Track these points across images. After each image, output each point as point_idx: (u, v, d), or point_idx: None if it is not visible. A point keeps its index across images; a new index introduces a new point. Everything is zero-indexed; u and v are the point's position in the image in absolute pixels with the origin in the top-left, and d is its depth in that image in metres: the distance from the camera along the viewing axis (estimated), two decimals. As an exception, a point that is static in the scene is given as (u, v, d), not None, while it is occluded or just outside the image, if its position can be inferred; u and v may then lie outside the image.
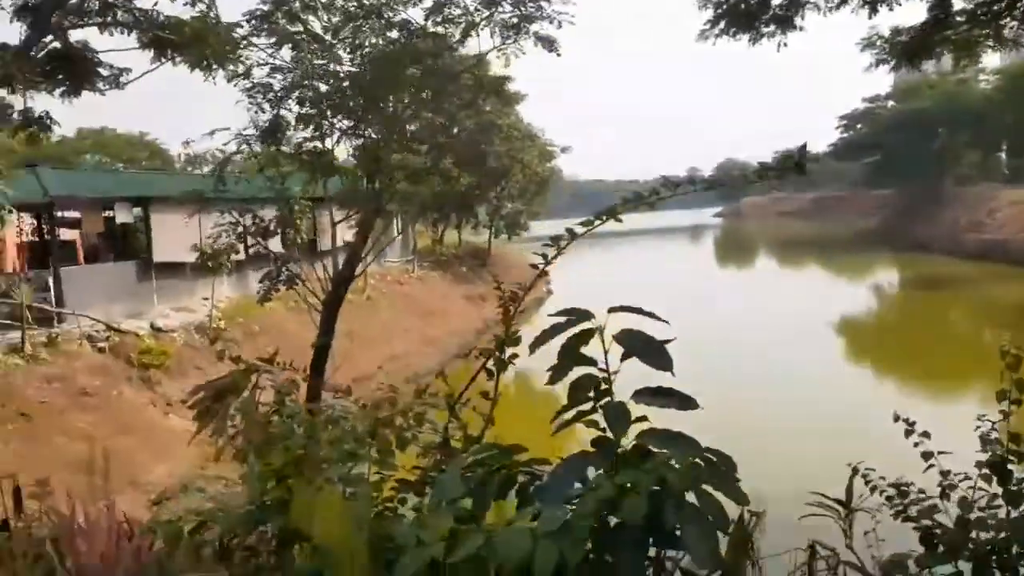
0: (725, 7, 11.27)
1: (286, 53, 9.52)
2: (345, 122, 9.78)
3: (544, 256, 2.73)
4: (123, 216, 22.05)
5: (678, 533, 1.70)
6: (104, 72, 12.82)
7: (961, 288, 39.43)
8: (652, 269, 63.02)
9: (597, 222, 2.64)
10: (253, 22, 9.57)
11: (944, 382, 22.81)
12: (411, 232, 34.90)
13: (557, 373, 2.13)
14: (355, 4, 9.35)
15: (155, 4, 9.77)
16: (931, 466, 2.58)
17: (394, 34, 9.53)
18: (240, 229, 10.29)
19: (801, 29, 11.73)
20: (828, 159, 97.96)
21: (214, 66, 10.53)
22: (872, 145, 78.40)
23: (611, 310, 2.24)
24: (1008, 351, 2.40)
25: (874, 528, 2.50)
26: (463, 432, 2.83)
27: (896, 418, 2.84)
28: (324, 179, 10.28)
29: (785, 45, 11.91)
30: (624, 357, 2.09)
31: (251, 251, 18.70)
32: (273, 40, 9.60)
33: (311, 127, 9.72)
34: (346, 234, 22.07)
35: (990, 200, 54.12)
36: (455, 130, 11.12)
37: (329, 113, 9.54)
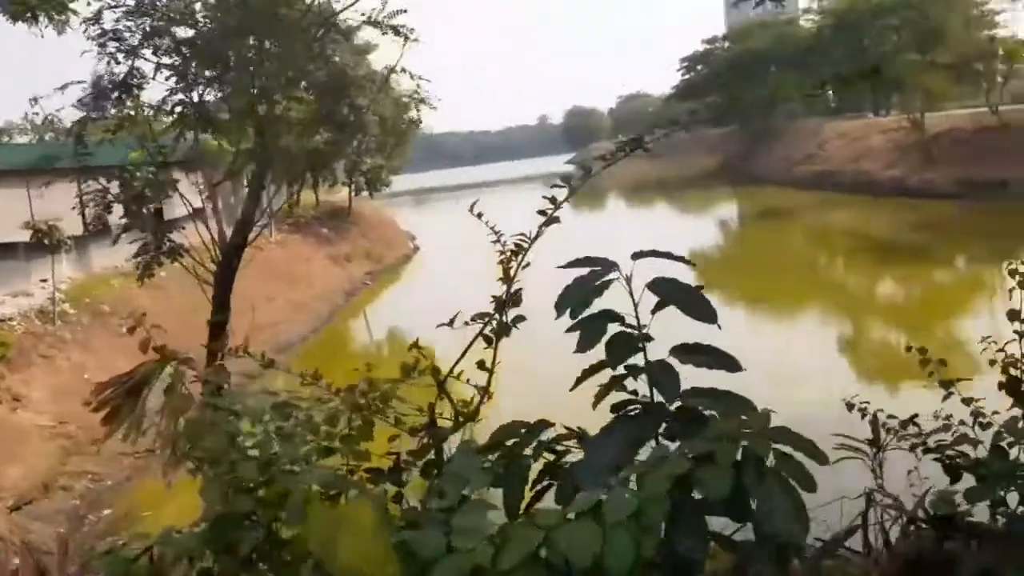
0: None
1: None
2: (208, 72, 8.86)
3: (552, 201, 2.50)
4: (-66, 195, 19.59)
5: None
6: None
7: (797, 217, 42.35)
8: (512, 218, 63.41)
9: (619, 154, 2.44)
10: None
11: (789, 302, 24.62)
12: (267, 193, 33.19)
13: (587, 337, 1.88)
14: None
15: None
16: (950, 395, 2.57)
17: None
18: (109, 197, 9.21)
19: None
20: (672, 101, 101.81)
21: (40, 16, 9.33)
22: (712, 85, 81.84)
23: (635, 256, 2.05)
24: (1016, 270, 2.40)
25: (914, 468, 2.45)
26: (455, 409, 2.54)
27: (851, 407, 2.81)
28: (197, 134, 9.33)
29: None
30: (657, 308, 1.93)
31: (91, 226, 17.12)
32: None
33: (175, 78, 8.74)
34: (194, 200, 20.74)
35: (819, 134, 58.09)
36: (307, 81, 10.36)
37: (193, 63, 8.61)
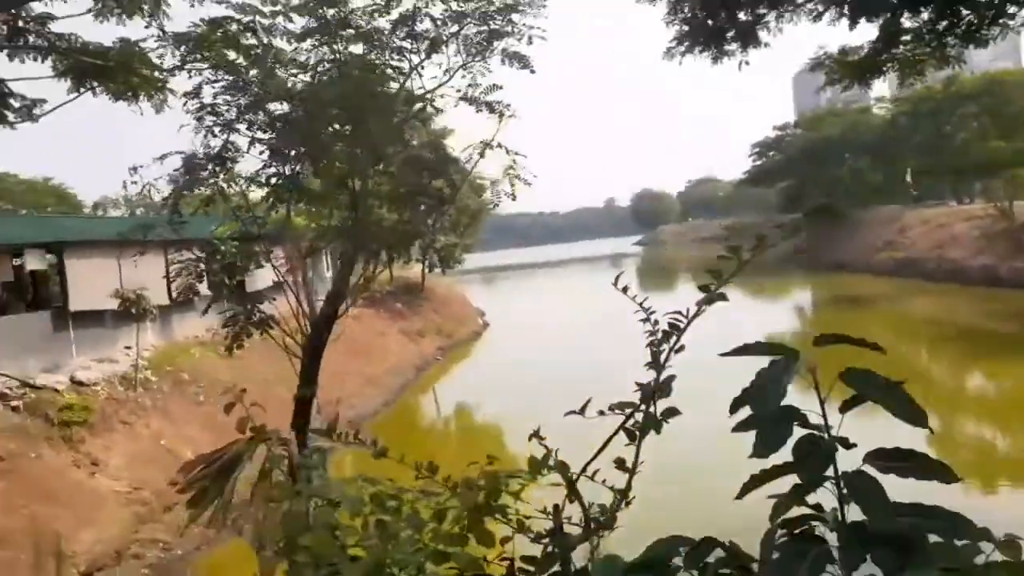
0: (693, 23, 11.21)
1: (233, 70, 8.75)
2: (301, 147, 9.03)
3: (707, 291, 2.23)
4: (34, 263, 20.49)
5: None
6: (15, 103, 11.78)
7: (879, 304, 40.85)
8: (578, 298, 63.57)
9: (755, 246, 2.17)
10: (185, 46, 8.79)
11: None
12: (305, 267, 33.87)
13: (768, 439, 1.59)
14: (319, 13, 8.65)
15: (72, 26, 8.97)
16: None
17: (359, 48, 8.87)
18: (200, 267, 9.33)
19: (766, 45, 11.79)
20: (744, 185, 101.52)
21: (140, 95, 9.76)
22: (784, 171, 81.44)
23: (818, 341, 1.77)
24: None
25: None
26: (585, 514, 2.22)
27: None
28: (289, 206, 9.43)
29: (747, 63, 11.96)
30: (850, 405, 1.64)
31: (180, 296, 17.56)
32: (209, 65, 8.80)
33: (268, 152, 8.92)
34: (270, 274, 21.20)
35: (899, 220, 56.63)
36: (389, 162, 10.48)
37: (286, 138, 8.80)
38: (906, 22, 11.14)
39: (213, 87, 8.63)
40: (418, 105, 8.88)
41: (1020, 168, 43.71)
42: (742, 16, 11.36)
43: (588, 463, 2.29)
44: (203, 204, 9.11)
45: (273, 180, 8.95)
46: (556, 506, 2.20)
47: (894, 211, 63.22)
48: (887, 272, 49.75)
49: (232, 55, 8.72)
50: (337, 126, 8.95)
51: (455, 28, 8.82)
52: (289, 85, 8.89)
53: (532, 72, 8.95)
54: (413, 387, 27.92)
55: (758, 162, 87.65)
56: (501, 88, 8.89)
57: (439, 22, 8.74)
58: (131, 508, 14.21)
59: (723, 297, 2.14)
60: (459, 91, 8.98)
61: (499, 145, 8.70)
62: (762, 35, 11.60)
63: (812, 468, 1.57)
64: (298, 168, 9.26)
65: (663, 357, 2.17)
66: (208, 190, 9.13)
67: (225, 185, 9.28)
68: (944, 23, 10.92)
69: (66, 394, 16.44)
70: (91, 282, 20.06)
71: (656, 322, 2.28)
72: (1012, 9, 11.33)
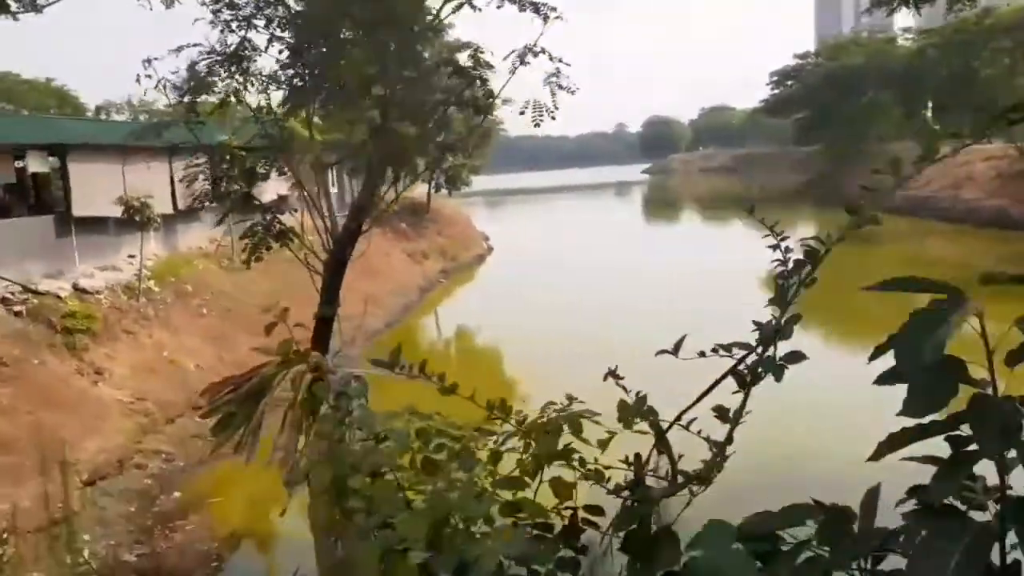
0: None
1: None
2: (324, 47, 8.40)
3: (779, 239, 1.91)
4: (36, 166, 20.04)
5: None
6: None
7: (888, 243, 40.34)
8: (583, 226, 63.17)
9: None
10: None
11: (869, 336, 23.31)
12: (349, 186, 33.41)
13: (926, 396, 1.32)
14: None
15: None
16: None
17: None
18: (219, 172, 8.88)
19: None
20: (760, 114, 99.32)
21: None
22: (802, 102, 79.44)
23: (872, 288, 1.51)
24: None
25: None
26: (673, 467, 1.95)
27: None
28: (311, 110, 8.89)
29: None
30: (1014, 360, 1.36)
31: (189, 204, 17.15)
32: None
33: (289, 51, 8.31)
34: (279, 187, 20.66)
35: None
36: (418, 65, 9.71)
37: (307, 35, 8.19)
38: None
39: None
40: (453, 3, 8.22)
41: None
42: None
43: (684, 411, 2.01)
44: (219, 106, 8.57)
45: (294, 81, 8.38)
46: (638, 455, 1.93)
47: (913, 147, 61.87)
48: (902, 211, 49.06)
49: None
50: (362, 23, 8.27)
51: None
52: None
53: (558, 18, 8.27)
54: (416, 308, 27.83)
55: (776, 91, 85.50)
56: None
57: None
58: (134, 419, 14.22)
59: (876, 221, 1.82)
60: None
61: (543, 50, 8.06)
62: None
63: (993, 437, 1.30)
64: (318, 70, 8.64)
65: (791, 293, 1.86)
66: (224, 91, 8.58)
67: (242, 86, 8.72)
68: None
69: (69, 301, 16.28)
70: (94, 188, 19.67)
71: (788, 249, 1.96)
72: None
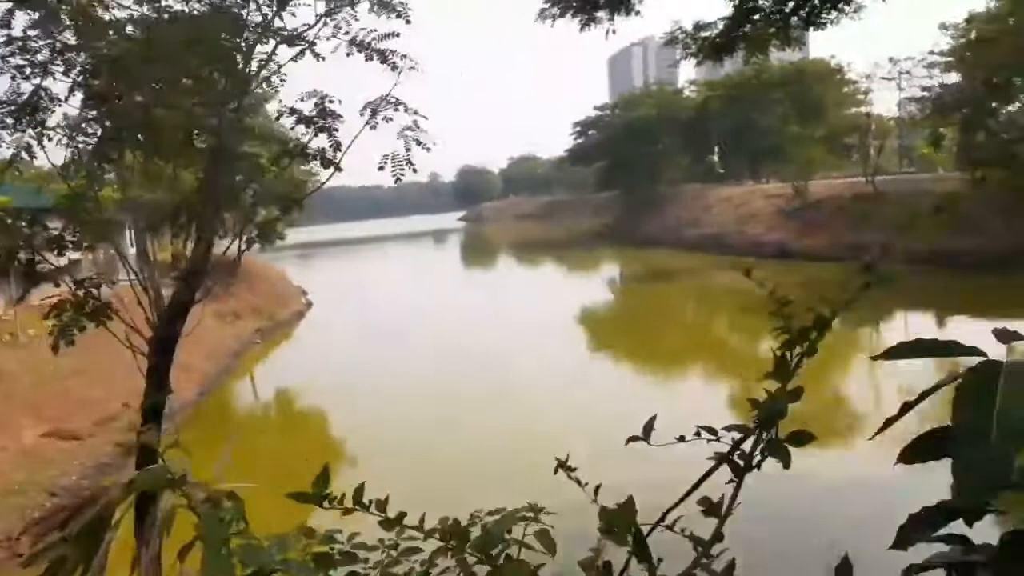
0: None
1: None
2: (137, 96, 7.38)
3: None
4: None
5: None
6: None
7: (684, 278, 43.44)
8: (403, 274, 63.02)
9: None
10: None
11: (676, 362, 24.91)
12: (148, 244, 30.96)
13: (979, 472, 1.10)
14: None
15: None
16: None
17: None
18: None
19: (637, 13, 11.79)
20: (565, 163, 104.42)
21: None
22: (601, 151, 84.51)
23: (879, 357, 1.33)
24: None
25: None
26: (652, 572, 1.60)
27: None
28: (121, 163, 7.73)
29: (614, 32, 11.96)
30: None
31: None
32: None
33: (94, 99, 7.18)
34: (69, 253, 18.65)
35: (705, 198, 60.56)
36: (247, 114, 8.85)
37: (117, 81, 7.13)
38: (755, 2, 11.50)
39: (28, 14, 6.86)
40: (295, 49, 7.54)
41: (812, 151, 47.99)
42: None
43: (669, 510, 1.72)
44: (7, 164, 7.24)
45: (98, 134, 7.31)
46: (608, 565, 1.60)
47: (701, 189, 67.53)
48: (693, 247, 53.06)
49: None
50: (184, 68, 7.35)
51: None
52: (122, 20, 7.24)
53: (408, 22, 7.88)
54: (231, 373, 26.06)
55: (578, 140, 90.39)
56: (398, 35, 7.70)
57: None
58: None
59: (891, 278, 1.64)
60: (341, 33, 7.60)
61: (396, 102, 7.54)
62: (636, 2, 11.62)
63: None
64: (128, 121, 7.61)
65: (793, 363, 1.64)
66: (14, 146, 7.30)
67: (36, 141, 7.47)
68: (791, 4, 11.37)
69: None
70: None
71: (788, 317, 1.73)
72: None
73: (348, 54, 7.54)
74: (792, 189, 47.46)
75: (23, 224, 7.49)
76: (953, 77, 44.00)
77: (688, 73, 78.43)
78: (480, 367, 24.48)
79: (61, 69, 6.90)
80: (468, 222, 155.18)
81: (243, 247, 11.15)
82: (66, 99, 6.96)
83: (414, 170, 7.68)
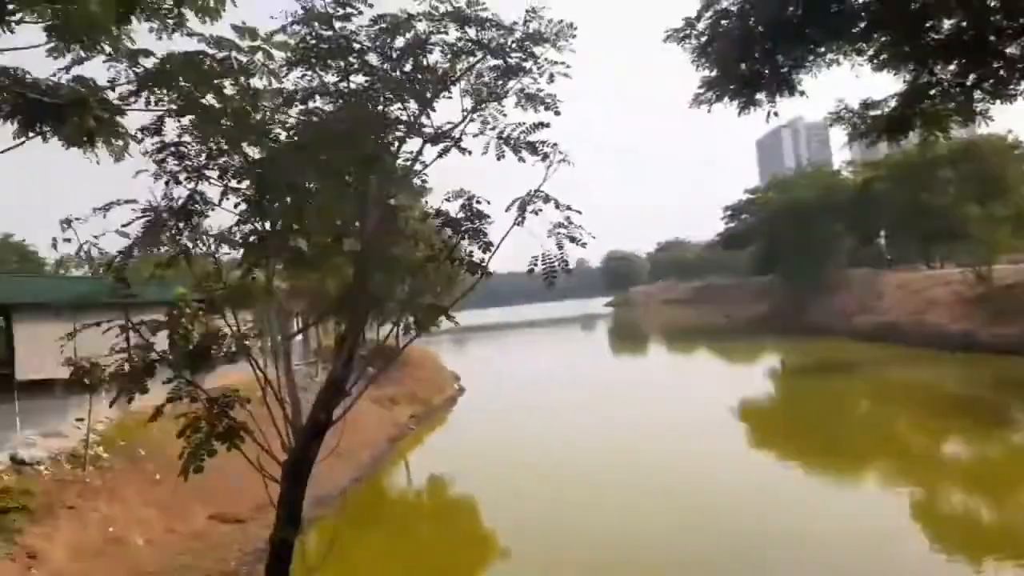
0: (725, 67, 10.49)
1: (204, 109, 7.29)
2: (288, 198, 7.43)
3: None
4: (-21, 327, 18.93)
5: None
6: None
7: (857, 371, 40.03)
8: (552, 361, 62.58)
9: None
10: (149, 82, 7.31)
11: (863, 468, 22.49)
12: (313, 331, 32.50)
13: None
14: (311, 36, 7.17)
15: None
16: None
17: (359, 80, 7.46)
18: (152, 353, 7.67)
19: (802, 93, 11.19)
20: (715, 248, 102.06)
21: (97, 140, 8.36)
22: (757, 234, 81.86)
23: None
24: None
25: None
26: None
27: None
28: (271, 270, 7.80)
29: (776, 114, 11.34)
30: None
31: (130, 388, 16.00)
32: (175, 102, 7.28)
33: (246, 203, 7.28)
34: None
35: (875, 284, 56.67)
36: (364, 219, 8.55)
37: (267, 185, 7.20)
38: (933, 76, 10.58)
39: (179, 121, 7.10)
40: (440, 145, 7.39)
41: (995, 232, 43.98)
42: (779, 58, 10.67)
43: None
44: (162, 267, 7.40)
45: (251, 238, 7.34)
46: None
47: (868, 274, 63.45)
48: (865, 337, 49.32)
49: (204, 95, 7.32)
50: (333, 170, 7.30)
51: (470, 60, 7.48)
52: (271, 122, 7.38)
53: (557, 114, 7.58)
54: (386, 459, 26.34)
55: (730, 224, 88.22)
56: (548, 126, 7.35)
57: (451, 53, 7.39)
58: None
59: None
60: (493, 128, 7.42)
61: (547, 198, 7.03)
62: (799, 82, 10.99)
63: None
64: (280, 224, 7.65)
65: None
66: (170, 250, 7.47)
67: (191, 244, 7.64)
68: (973, 76, 10.36)
69: (5, 475, 14.79)
70: (41, 348, 18.46)
71: None
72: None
73: (498, 156, 7.25)
74: (974, 274, 43.45)
75: (201, 312, 7.61)
76: None
77: (842, 153, 74.93)
78: (629, 466, 23.35)
79: (216, 174, 7.01)
80: (616, 307, 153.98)
81: (403, 337, 10.96)
82: (219, 203, 7.04)
83: (567, 271, 6.99)
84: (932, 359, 39.57)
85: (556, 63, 7.22)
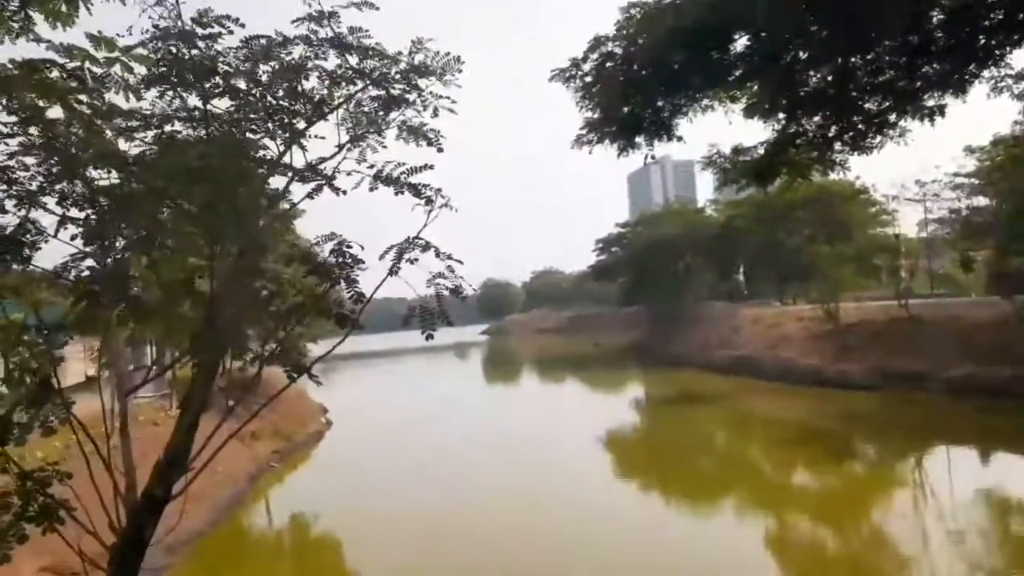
0: (606, 111, 10.51)
1: (48, 126, 6.31)
2: (136, 232, 6.50)
3: None
4: None
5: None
6: None
7: (715, 402, 41.78)
8: (424, 390, 61.86)
9: None
10: None
11: (718, 495, 23.33)
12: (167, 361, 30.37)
13: None
14: (172, 55, 6.35)
15: None
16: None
17: (224, 105, 6.70)
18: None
19: (679, 139, 11.38)
20: (586, 279, 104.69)
21: None
22: (625, 266, 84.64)
23: None
24: None
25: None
26: None
27: None
28: (112, 312, 6.73)
29: (653, 158, 11.52)
30: None
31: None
32: (14, 117, 6.27)
33: (85, 236, 6.27)
34: (87, 368, 17.89)
35: (734, 318, 59.53)
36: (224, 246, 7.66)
37: (111, 217, 6.25)
38: (799, 126, 11.09)
39: (6, 144, 6.08)
40: (313, 184, 6.72)
41: (841, 270, 47.28)
42: (659, 103, 10.85)
43: None
44: None
45: (87, 276, 6.35)
46: None
47: (727, 308, 66.73)
48: (724, 369, 51.61)
49: (49, 107, 6.35)
50: (190, 202, 6.43)
51: (349, 89, 6.94)
52: (122, 147, 6.46)
53: (439, 151, 7.15)
54: (246, 499, 24.80)
55: (601, 257, 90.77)
56: (431, 168, 6.79)
57: (329, 80, 6.82)
58: None
59: None
60: (371, 167, 6.82)
61: (427, 245, 6.33)
62: (677, 127, 11.21)
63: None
64: (124, 260, 6.73)
65: None
66: None
67: (18, 281, 6.59)
68: (835, 129, 10.93)
69: None
70: None
71: None
72: (893, 119, 11.55)
73: (371, 188, 6.72)
74: (823, 312, 46.46)
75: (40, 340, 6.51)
76: (981, 200, 43.84)
77: (706, 190, 79.22)
78: (498, 498, 23.20)
79: (54, 200, 6.07)
80: (491, 335, 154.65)
81: (262, 364, 10.07)
82: (55, 234, 6.08)
83: (448, 323, 6.48)
84: (785, 392, 41.82)
85: (441, 97, 6.85)
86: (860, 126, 11.14)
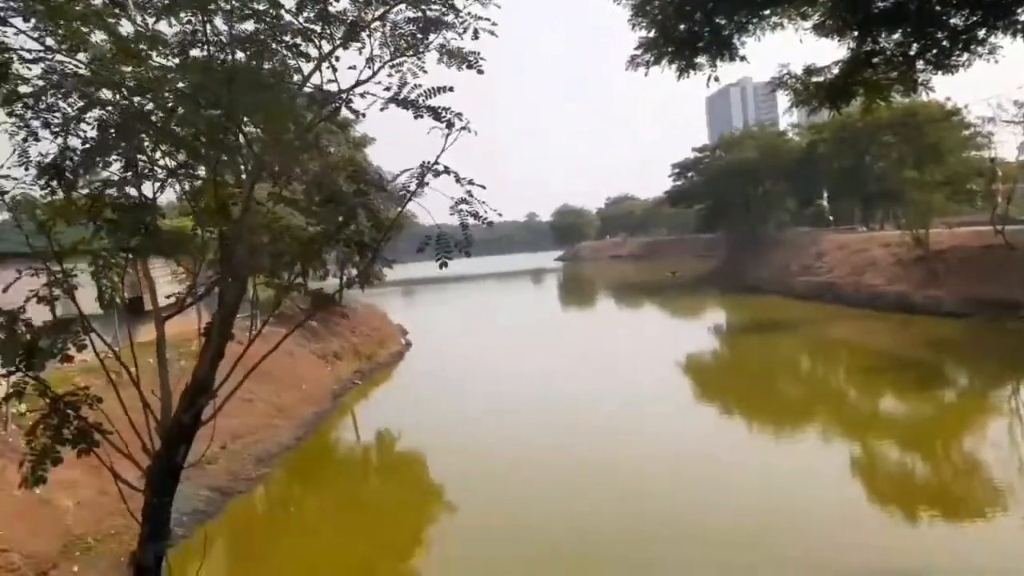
0: (663, 28, 10.09)
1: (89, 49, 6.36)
2: (170, 159, 6.57)
3: None
4: None
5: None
6: None
7: (796, 329, 41.00)
8: (502, 315, 62.61)
9: None
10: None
11: (786, 425, 23.05)
12: (250, 283, 31.55)
13: None
14: None
15: None
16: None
17: (249, 26, 6.62)
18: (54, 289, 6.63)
19: (743, 58, 10.89)
20: (663, 205, 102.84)
21: None
22: (703, 192, 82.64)
23: None
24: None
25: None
26: None
27: None
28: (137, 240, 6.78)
29: (716, 79, 11.06)
30: None
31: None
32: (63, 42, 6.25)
33: (121, 163, 6.31)
34: (167, 289, 18.76)
35: (817, 244, 57.69)
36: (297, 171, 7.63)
37: (149, 143, 6.28)
38: (876, 44, 10.43)
39: (32, 68, 6.00)
40: (330, 106, 6.68)
41: (931, 196, 45.04)
42: (720, 20, 10.34)
43: None
44: (50, 219, 6.36)
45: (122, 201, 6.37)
46: None
47: (810, 234, 64.63)
48: (805, 296, 50.42)
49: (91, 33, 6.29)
50: (216, 126, 6.38)
51: (381, 11, 6.76)
52: (150, 74, 6.38)
53: (480, 73, 7.00)
54: (330, 416, 25.98)
55: (678, 182, 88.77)
56: (451, 90, 6.67)
57: (360, 2, 6.70)
58: (-8, 576, 12.02)
59: None
60: (387, 89, 6.68)
61: (446, 169, 6.02)
62: (742, 46, 10.68)
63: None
64: (160, 191, 6.75)
65: None
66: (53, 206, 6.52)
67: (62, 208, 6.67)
68: (916, 47, 10.24)
69: (-80, 434, 14.02)
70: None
71: None
72: (982, 35, 10.77)
73: (382, 109, 6.56)
74: (911, 237, 44.50)
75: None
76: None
77: (789, 115, 75.62)
78: (576, 420, 23.54)
79: (91, 128, 6.07)
80: (565, 261, 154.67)
81: (342, 285, 10.29)
82: (97, 162, 6.11)
83: (467, 254, 6.29)
84: (870, 317, 40.77)
85: (480, 18, 6.66)
86: (944, 43, 10.35)
